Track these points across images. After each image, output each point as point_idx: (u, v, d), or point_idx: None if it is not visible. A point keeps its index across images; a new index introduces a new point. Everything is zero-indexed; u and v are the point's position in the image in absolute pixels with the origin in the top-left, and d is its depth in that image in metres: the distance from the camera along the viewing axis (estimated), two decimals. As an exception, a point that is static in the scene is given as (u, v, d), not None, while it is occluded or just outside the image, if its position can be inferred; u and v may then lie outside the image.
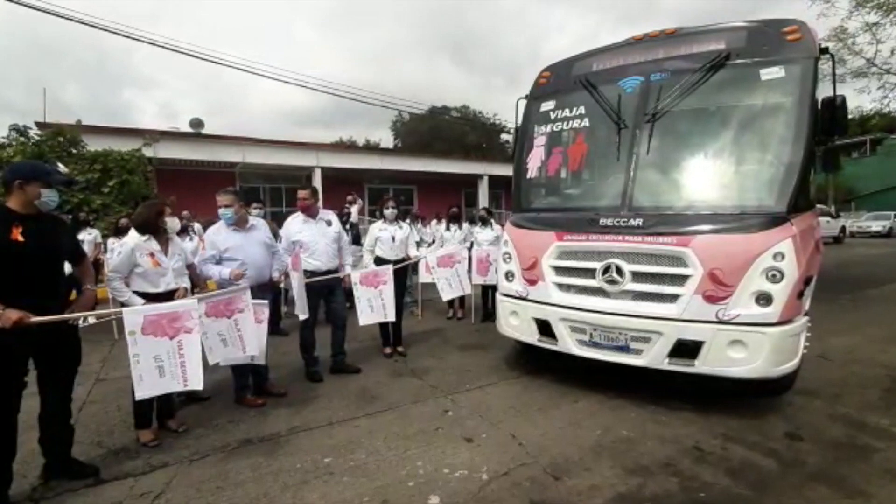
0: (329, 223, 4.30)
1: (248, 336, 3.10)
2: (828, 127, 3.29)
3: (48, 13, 9.05)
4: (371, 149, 29.41)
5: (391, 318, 4.58)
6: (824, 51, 3.34)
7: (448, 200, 13.13)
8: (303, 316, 3.94)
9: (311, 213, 4.24)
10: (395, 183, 18.83)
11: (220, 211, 3.63)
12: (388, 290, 4.48)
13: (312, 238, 4.15)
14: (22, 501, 2.41)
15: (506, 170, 18.33)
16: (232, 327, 3.05)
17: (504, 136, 34.48)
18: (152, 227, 3.05)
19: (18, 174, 2.41)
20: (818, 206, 3.89)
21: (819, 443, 2.88)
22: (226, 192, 3.67)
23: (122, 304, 2.93)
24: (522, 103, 4.48)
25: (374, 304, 4.45)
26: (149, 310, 2.69)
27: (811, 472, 2.56)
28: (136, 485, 2.55)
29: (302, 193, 4.21)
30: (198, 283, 3.52)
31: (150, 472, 2.69)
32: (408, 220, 6.43)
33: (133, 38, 10.53)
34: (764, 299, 2.98)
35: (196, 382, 2.76)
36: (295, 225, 4.23)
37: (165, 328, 2.66)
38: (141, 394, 2.67)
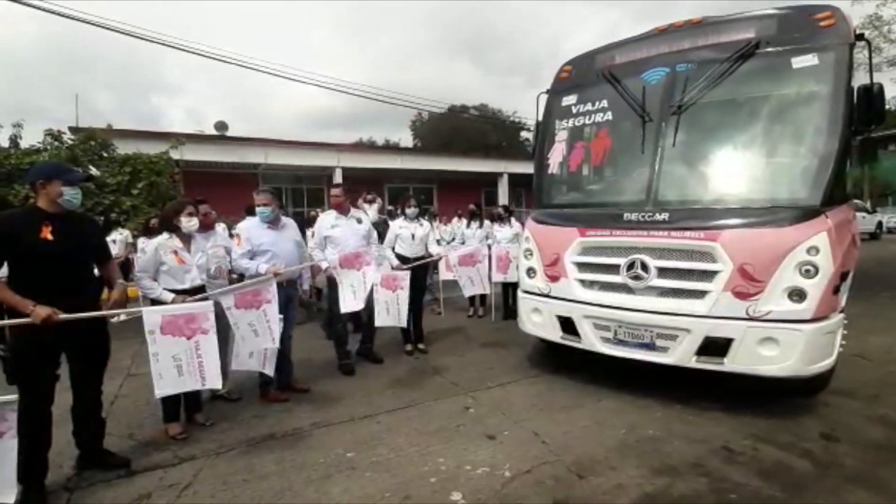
0: (359, 221, 4.42)
1: (276, 327, 3.18)
2: (864, 116, 3.14)
3: (83, 21, 9.37)
4: (391, 148, 29.55)
5: (403, 323, 4.58)
6: (860, 37, 3.20)
7: (468, 199, 13.09)
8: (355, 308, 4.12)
9: (343, 210, 4.36)
10: (415, 182, 18.89)
11: (259, 209, 3.72)
12: (404, 296, 4.47)
13: (343, 234, 4.26)
14: (57, 490, 2.49)
15: (526, 168, 18.19)
16: (262, 318, 3.13)
17: (524, 134, 34.23)
18: (170, 225, 3.14)
19: (39, 175, 2.49)
20: (853, 201, 3.73)
21: (856, 444, 2.76)
22: (264, 192, 3.79)
23: (153, 301, 3.01)
24: (543, 98, 4.42)
25: (390, 308, 4.44)
26: (166, 310, 2.78)
27: (849, 475, 2.45)
28: (166, 476, 2.62)
29: (335, 191, 4.39)
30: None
31: (178, 464, 2.75)
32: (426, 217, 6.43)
33: (161, 44, 10.81)
34: (797, 295, 2.87)
35: (214, 381, 2.84)
36: (328, 221, 4.35)
37: (183, 328, 2.73)
38: (160, 391, 2.75)
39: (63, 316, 2.32)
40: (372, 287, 4.24)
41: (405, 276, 4.52)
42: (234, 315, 3.03)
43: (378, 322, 4.47)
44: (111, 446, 2.82)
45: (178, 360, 2.74)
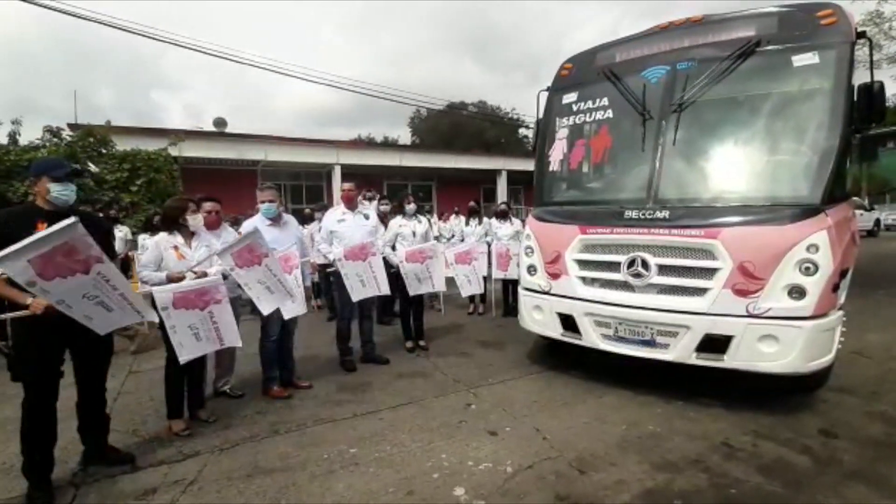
0: (367, 217, 4.44)
1: (288, 279, 3.28)
2: (864, 114, 3.16)
3: (83, 18, 9.32)
4: (390, 146, 29.47)
5: (440, 287, 4.80)
6: (861, 35, 3.21)
7: (467, 196, 13.09)
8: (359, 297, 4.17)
9: (351, 205, 4.39)
10: (414, 179, 18.87)
11: (264, 206, 3.72)
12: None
13: (349, 229, 4.26)
14: (63, 486, 2.50)
15: (525, 165, 18.17)
16: (268, 273, 3.18)
17: (522, 131, 34.20)
18: (174, 223, 3.15)
19: (31, 172, 2.49)
20: (853, 198, 3.75)
21: (856, 441, 2.79)
22: (269, 187, 3.80)
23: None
24: (544, 96, 4.43)
25: (421, 277, 4.56)
26: (177, 288, 2.86)
27: (848, 471, 2.48)
28: (171, 472, 2.63)
29: (346, 186, 4.42)
30: None
31: (182, 460, 2.77)
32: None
33: (162, 41, 10.77)
34: (797, 292, 2.90)
35: (233, 340, 3.02)
36: (335, 216, 4.38)
37: (195, 301, 2.86)
38: (183, 357, 2.86)
39: None
40: (397, 271, 4.46)
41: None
42: (240, 276, 3.10)
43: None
44: (116, 442, 2.83)
45: (196, 329, 2.90)
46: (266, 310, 3.20)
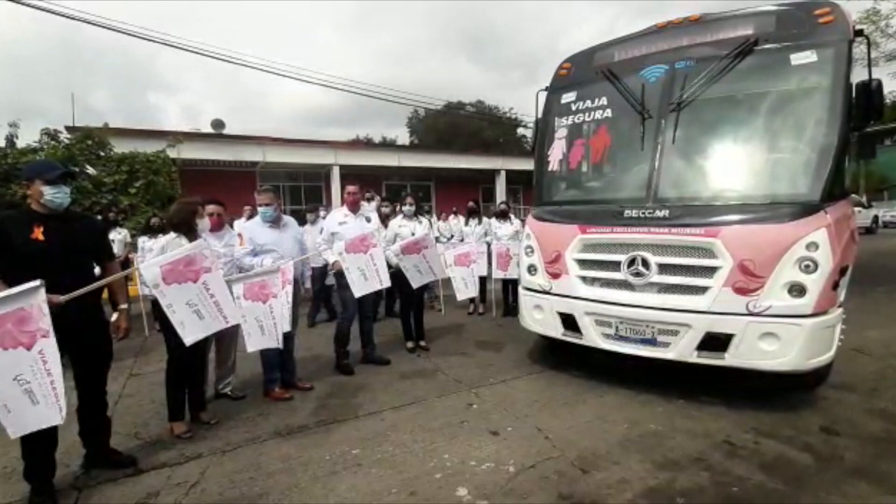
0: (368, 220, 4.43)
1: (281, 325, 3.19)
2: (863, 112, 3.17)
3: (78, 20, 9.31)
4: (388, 146, 29.47)
5: (440, 275, 4.79)
6: (859, 33, 3.22)
7: (466, 196, 13.13)
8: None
9: (354, 208, 4.39)
10: (413, 179, 18.89)
11: (261, 209, 3.72)
12: (433, 253, 4.63)
13: (350, 231, 4.21)
14: (66, 489, 2.50)
15: (523, 164, 18.20)
16: (268, 314, 3.13)
17: (521, 131, 34.22)
18: (187, 227, 3.12)
19: (24, 176, 2.49)
20: (851, 196, 3.77)
21: (857, 438, 2.79)
22: (266, 191, 3.77)
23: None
24: (543, 95, 4.43)
25: (421, 269, 4.49)
26: (161, 260, 2.69)
27: (850, 468, 2.49)
28: (173, 474, 2.63)
29: (351, 188, 4.41)
30: None
31: (184, 462, 2.76)
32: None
33: (158, 42, 10.75)
34: (797, 290, 2.90)
35: (235, 318, 2.89)
36: (336, 217, 4.37)
37: (186, 273, 2.66)
38: (189, 339, 2.70)
39: (62, 298, 2.23)
40: (396, 271, 4.37)
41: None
42: (242, 307, 3.04)
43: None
44: (117, 445, 2.84)
45: (195, 305, 2.70)
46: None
